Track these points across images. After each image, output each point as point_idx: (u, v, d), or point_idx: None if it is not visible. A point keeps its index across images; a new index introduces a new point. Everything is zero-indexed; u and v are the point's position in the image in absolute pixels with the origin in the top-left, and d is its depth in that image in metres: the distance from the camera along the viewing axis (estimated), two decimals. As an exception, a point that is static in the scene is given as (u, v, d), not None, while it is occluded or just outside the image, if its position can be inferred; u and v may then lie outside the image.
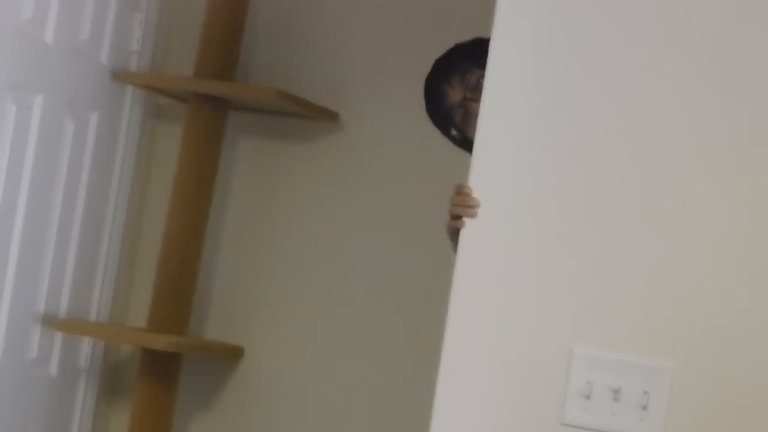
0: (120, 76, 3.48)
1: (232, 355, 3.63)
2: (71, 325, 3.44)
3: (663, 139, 2.27)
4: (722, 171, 2.23)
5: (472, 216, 2.42)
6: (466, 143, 2.71)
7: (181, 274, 3.53)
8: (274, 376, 3.63)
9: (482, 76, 2.32)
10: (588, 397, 2.16)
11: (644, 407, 2.14)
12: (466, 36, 3.09)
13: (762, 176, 2.20)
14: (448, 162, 3.35)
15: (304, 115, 3.51)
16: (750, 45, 2.31)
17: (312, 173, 3.62)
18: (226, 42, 3.51)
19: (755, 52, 2.31)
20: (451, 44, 2.95)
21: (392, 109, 3.52)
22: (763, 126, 2.26)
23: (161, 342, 3.31)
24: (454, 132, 2.80)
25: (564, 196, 2.27)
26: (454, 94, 2.52)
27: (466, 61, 2.50)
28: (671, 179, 2.24)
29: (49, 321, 3.41)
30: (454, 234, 2.53)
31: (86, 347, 3.60)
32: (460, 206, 2.39)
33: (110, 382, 3.74)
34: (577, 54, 2.38)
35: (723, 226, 2.19)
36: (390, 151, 3.53)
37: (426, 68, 3.08)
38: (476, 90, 2.45)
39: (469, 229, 2.33)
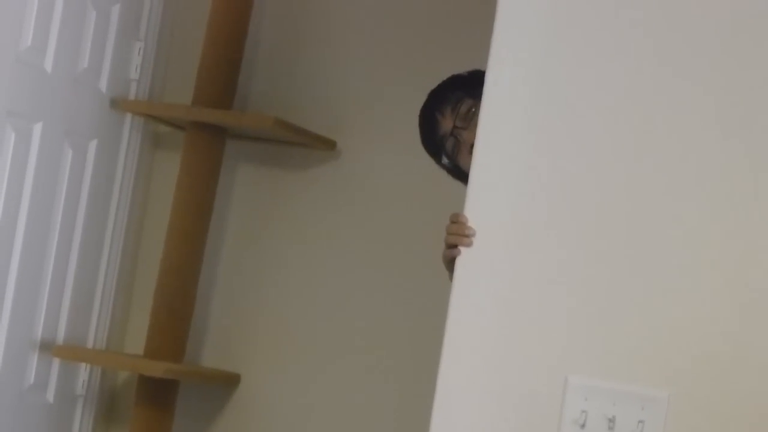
0: (119, 104, 3.49)
1: (228, 382, 3.62)
2: (68, 352, 3.44)
3: (657, 171, 2.28)
4: (717, 200, 2.23)
5: (468, 245, 2.42)
6: (457, 172, 2.75)
7: (178, 302, 3.53)
8: (270, 403, 3.61)
9: (473, 106, 2.42)
10: (583, 426, 2.16)
11: None
12: (462, 67, 3.14)
13: (757, 204, 2.21)
14: (443, 191, 3.37)
15: (302, 144, 3.52)
16: (747, 53, 2.29)
17: (309, 201, 3.63)
18: (224, 71, 3.52)
19: (753, 59, 2.29)
20: (447, 75, 3.01)
21: (389, 138, 3.53)
22: (761, 152, 2.27)
23: (158, 369, 3.29)
24: (445, 160, 2.80)
25: (559, 227, 2.28)
26: (446, 123, 2.54)
27: (459, 91, 2.51)
28: (665, 211, 2.24)
29: (47, 347, 3.40)
30: (450, 263, 2.53)
31: (83, 374, 3.59)
32: (455, 235, 2.39)
33: (107, 409, 3.73)
34: (572, 85, 2.42)
35: (717, 256, 2.19)
36: (386, 180, 3.53)
37: (423, 98, 3.09)
38: (466, 119, 2.49)
39: (465, 257, 2.33)
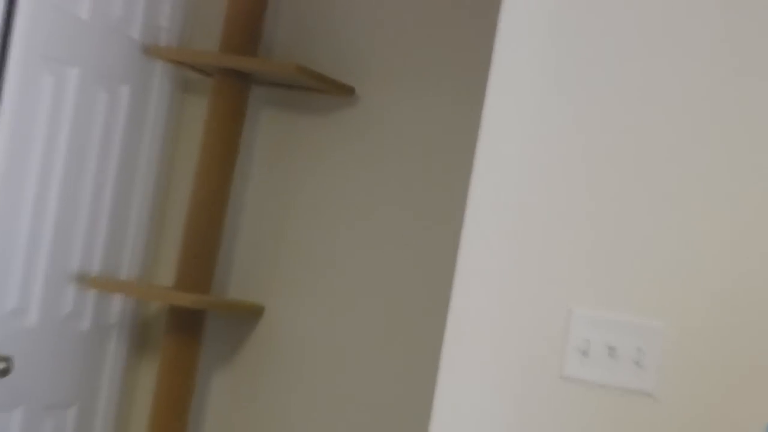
0: (150, 51, 3.51)
1: (252, 313, 3.66)
2: (103, 283, 3.47)
3: (662, 115, 2.31)
4: (721, 140, 2.27)
5: None
6: None
7: (206, 236, 3.55)
8: (292, 333, 3.67)
9: None
10: (586, 353, 2.21)
11: (638, 363, 2.19)
12: (477, 18, 3.16)
13: (757, 139, 2.24)
14: (455, 136, 3.50)
15: (322, 90, 3.52)
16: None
17: (329, 144, 3.66)
18: (249, 19, 3.52)
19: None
20: (463, 23, 2.99)
21: (405, 85, 3.55)
22: (758, 99, 2.27)
23: (187, 299, 3.32)
24: None
25: (566, 167, 2.32)
26: None
27: None
28: (668, 148, 2.29)
29: (83, 279, 3.45)
30: None
31: (117, 304, 3.65)
32: None
33: (139, 337, 3.79)
34: (584, 26, 2.39)
35: (714, 193, 2.23)
36: (402, 124, 3.55)
37: (437, 47, 3.30)
38: None
39: (478, 194, 2.38)
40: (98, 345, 3.57)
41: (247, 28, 3.49)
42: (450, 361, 2.37)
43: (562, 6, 2.45)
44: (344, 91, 3.46)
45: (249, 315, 3.60)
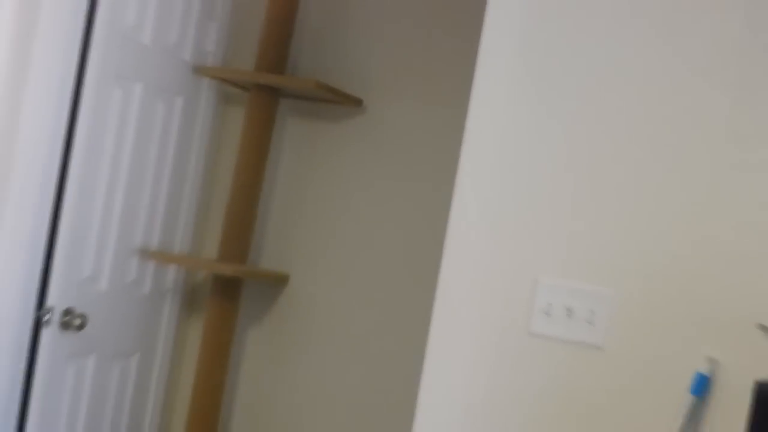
0: (198, 70, 3.59)
1: (280, 280, 3.62)
2: (160, 256, 3.57)
3: (611, 118, 2.33)
4: (660, 142, 2.29)
5: None
6: None
7: (243, 218, 3.63)
8: (314, 298, 3.74)
9: None
10: (548, 314, 2.31)
11: (590, 322, 2.29)
12: (467, 38, 3.35)
13: (702, 121, 2.28)
14: (446, 136, 3.48)
15: (336, 101, 3.58)
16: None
17: (341, 144, 3.71)
18: (278, 44, 3.60)
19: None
20: (453, 45, 3.24)
21: (402, 96, 3.60)
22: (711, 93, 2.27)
23: (228, 269, 3.41)
24: None
25: (534, 165, 2.38)
26: None
27: None
28: (617, 147, 2.32)
29: (144, 252, 3.55)
30: None
31: (171, 273, 3.76)
32: None
33: (189, 300, 3.89)
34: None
35: (652, 189, 2.27)
36: (402, 130, 3.62)
37: (430, 67, 3.44)
38: None
39: (462, 190, 2.42)
40: (156, 306, 3.68)
41: (277, 51, 3.56)
42: (440, 319, 2.47)
43: (534, 29, 2.48)
44: (353, 102, 3.53)
45: (277, 282, 3.69)
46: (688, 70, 2.38)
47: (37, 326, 3.26)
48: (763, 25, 2.34)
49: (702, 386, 2.36)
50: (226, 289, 3.56)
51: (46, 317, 3.18)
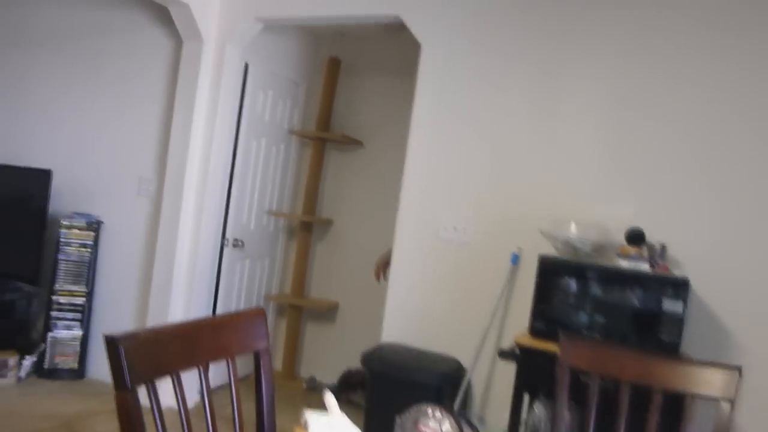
0: (291, 131, 4.69)
1: (329, 222, 4.66)
2: (276, 213, 4.48)
3: (492, 120, 2.85)
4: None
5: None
6: None
7: (312, 197, 4.66)
8: (348, 233, 4.64)
9: None
10: (446, 229, 3.05)
11: (464, 231, 2.99)
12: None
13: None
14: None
15: (349, 143, 4.61)
16: None
17: (354, 167, 4.69)
18: (325, 115, 4.67)
19: None
20: (412, 110, 3.37)
21: (384, 140, 4.55)
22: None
23: (306, 218, 4.49)
24: None
25: (446, 160, 2.93)
26: None
27: None
28: (493, 137, 2.86)
29: (270, 211, 4.56)
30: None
31: (282, 221, 4.76)
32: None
33: (289, 234, 4.86)
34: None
35: (492, 160, 2.86)
36: (387, 161, 4.52)
37: (402, 121, 4.07)
38: None
39: (408, 178, 2.92)
40: (275, 237, 4.90)
41: (325, 119, 4.74)
42: (400, 239, 3.24)
43: (447, 74, 2.89)
44: (359, 144, 4.59)
45: (329, 224, 4.81)
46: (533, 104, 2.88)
47: (222, 247, 4.16)
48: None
49: (515, 260, 3.10)
50: (306, 227, 4.80)
51: (226, 242, 4.13)
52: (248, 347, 1.69)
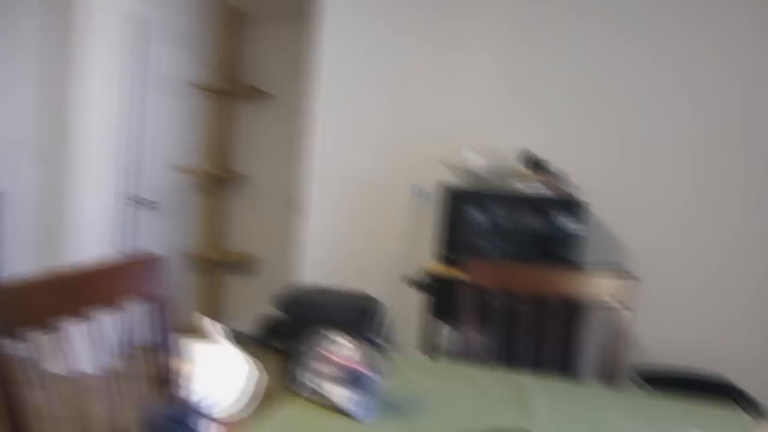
0: (192, 84, 4.50)
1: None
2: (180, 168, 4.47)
3: (405, 70, 3.05)
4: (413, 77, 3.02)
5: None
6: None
7: (223, 147, 4.73)
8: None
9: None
10: (355, 170, 3.15)
11: (374, 173, 3.12)
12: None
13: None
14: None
15: (258, 96, 4.62)
16: None
17: (266, 123, 4.67)
18: (229, 68, 4.62)
19: None
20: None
21: (297, 93, 4.47)
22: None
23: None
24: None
25: (355, 90, 3.17)
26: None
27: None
28: (408, 90, 3.09)
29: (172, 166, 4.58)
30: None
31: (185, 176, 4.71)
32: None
33: (197, 189, 4.78)
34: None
35: (408, 105, 3.07)
36: (300, 113, 4.48)
37: (305, 72, 4.12)
38: None
39: (319, 120, 3.07)
40: (190, 194, 4.74)
41: (227, 70, 4.60)
42: (311, 183, 3.28)
43: (351, 18, 3.12)
44: (270, 97, 4.59)
45: (243, 179, 4.86)
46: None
47: (131, 208, 3.98)
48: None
49: (418, 193, 3.27)
50: (220, 183, 4.88)
51: (133, 201, 3.93)
52: (139, 294, 1.65)
